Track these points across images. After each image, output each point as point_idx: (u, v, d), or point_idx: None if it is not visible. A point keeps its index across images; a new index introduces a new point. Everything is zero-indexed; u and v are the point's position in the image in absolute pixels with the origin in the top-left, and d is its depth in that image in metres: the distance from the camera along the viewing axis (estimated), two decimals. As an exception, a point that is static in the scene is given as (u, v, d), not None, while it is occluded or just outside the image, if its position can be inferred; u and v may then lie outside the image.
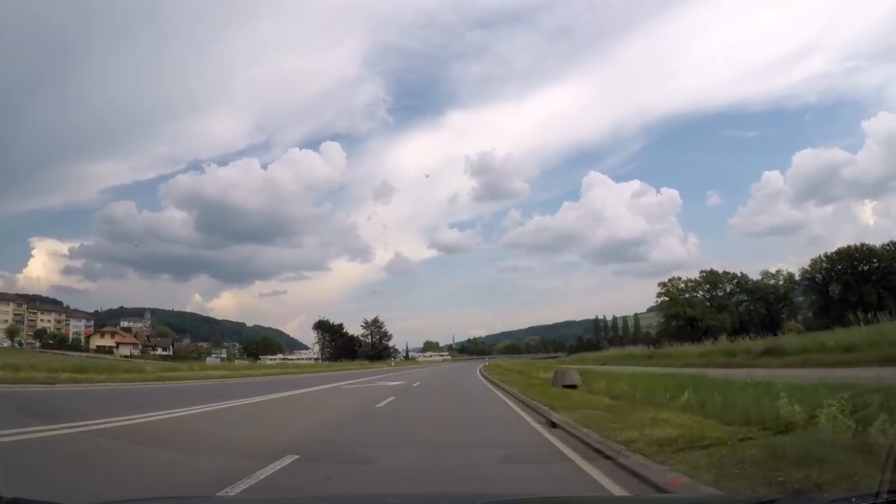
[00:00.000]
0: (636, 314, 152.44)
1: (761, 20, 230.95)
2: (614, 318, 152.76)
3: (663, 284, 79.11)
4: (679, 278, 79.90)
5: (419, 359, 77.99)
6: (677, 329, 72.15)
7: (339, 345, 65.22)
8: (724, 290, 78.55)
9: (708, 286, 78.82)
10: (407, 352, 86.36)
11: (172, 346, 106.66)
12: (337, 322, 70.01)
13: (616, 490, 4.68)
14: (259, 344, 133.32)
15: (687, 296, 76.94)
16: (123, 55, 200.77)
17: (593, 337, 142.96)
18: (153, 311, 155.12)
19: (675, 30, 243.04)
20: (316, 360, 68.25)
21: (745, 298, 78.89)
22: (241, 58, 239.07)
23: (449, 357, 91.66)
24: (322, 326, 70.98)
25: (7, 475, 3.60)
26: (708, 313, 73.09)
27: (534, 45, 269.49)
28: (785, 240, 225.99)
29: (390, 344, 68.92)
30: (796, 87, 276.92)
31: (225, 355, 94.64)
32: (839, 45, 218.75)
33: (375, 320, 70.22)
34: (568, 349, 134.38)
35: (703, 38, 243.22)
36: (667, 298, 77.77)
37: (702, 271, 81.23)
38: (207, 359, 66.43)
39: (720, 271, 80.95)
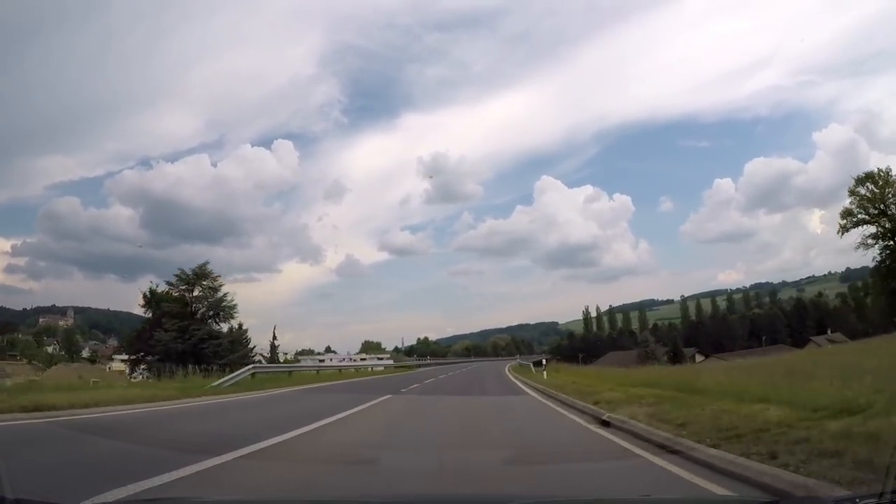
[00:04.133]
0: (643, 307, 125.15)
1: (717, 33, 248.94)
2: (611, 311, 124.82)
3: (864, 177, 44.43)
4: (887, 171, 45.33)
5: (316, 365, 43.09)
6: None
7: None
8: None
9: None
10: (273, 351, 49.06)
11: None
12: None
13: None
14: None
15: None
16: (74, 46, 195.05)
17: (585, 334, 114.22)
18: (83, 311, 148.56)
19: (632, 39, 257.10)
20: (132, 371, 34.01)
21: None
22: (195, 53, 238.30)
23: (390, 362, 58.86)
24: (155, 300, 31.44)
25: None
26: None
27: (491, 49, 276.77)
28: (735, 247, 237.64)
29: (242, 325, 33.19)
30: (749, 99, 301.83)
31: None
32: (792, 59, 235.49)
33: (201, 270, 29.29)
34: (556, 350, 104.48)
35: (660, 48, 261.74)
36: (855, 216, 43.58)
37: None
38: None
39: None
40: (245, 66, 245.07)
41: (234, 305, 28.32)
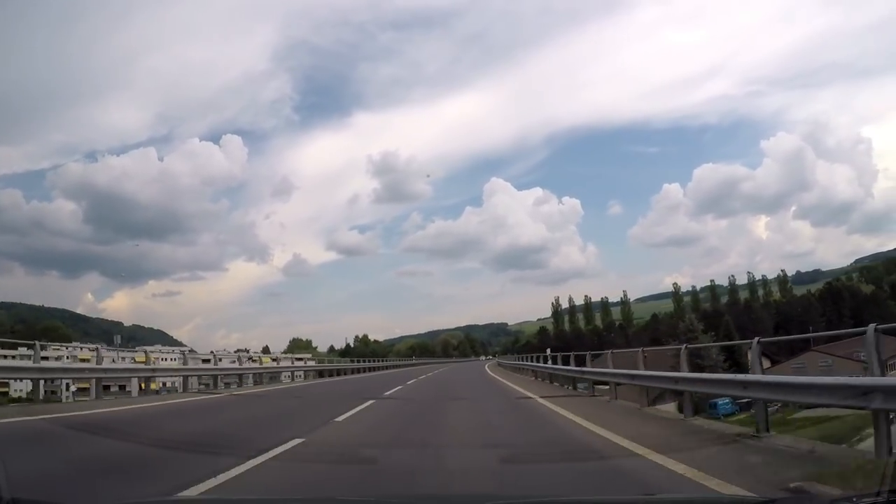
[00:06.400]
0: (625, 298, 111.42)
1: (669, 42, 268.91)
2: (587, 304, 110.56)
3: None
4: None
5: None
6: None
7: None
8: None
9: None
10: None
11: None
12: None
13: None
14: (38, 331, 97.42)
15: None
16: (20, 35, 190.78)
17: (557, 330, 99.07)
18: (14, 307, 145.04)
19: (584, 45, 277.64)
20: None
21: None
22: (146, 44, 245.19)
23: (311, 363, 40.35)
24: None
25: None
26: None
27: (445, 50, 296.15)
28: (682, 251, 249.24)
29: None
30: (699, 107, 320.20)
31: None
32: (741, 70, 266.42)
33: None
34: (521, 349, 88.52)
35: (613, 55, 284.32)
36: None
37: None
38: None
39: None
40: (196, 60, 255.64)
41: None
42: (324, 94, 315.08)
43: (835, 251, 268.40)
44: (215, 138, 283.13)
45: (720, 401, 29.56)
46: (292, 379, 34.11)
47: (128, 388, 40.28)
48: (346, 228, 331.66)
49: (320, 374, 39.76)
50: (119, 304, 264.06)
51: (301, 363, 40.93)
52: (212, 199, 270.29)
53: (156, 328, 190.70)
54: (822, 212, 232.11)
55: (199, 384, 36.52)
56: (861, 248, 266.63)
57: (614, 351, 16.32)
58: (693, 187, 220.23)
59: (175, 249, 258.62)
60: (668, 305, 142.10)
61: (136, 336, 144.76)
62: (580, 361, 20.79)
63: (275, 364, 37.12)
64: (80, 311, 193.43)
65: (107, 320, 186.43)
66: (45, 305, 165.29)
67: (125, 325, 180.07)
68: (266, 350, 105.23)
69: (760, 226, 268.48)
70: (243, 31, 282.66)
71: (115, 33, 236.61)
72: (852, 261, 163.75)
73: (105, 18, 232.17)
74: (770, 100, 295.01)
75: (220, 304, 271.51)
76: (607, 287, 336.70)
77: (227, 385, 33.67)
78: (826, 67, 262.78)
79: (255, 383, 30.69)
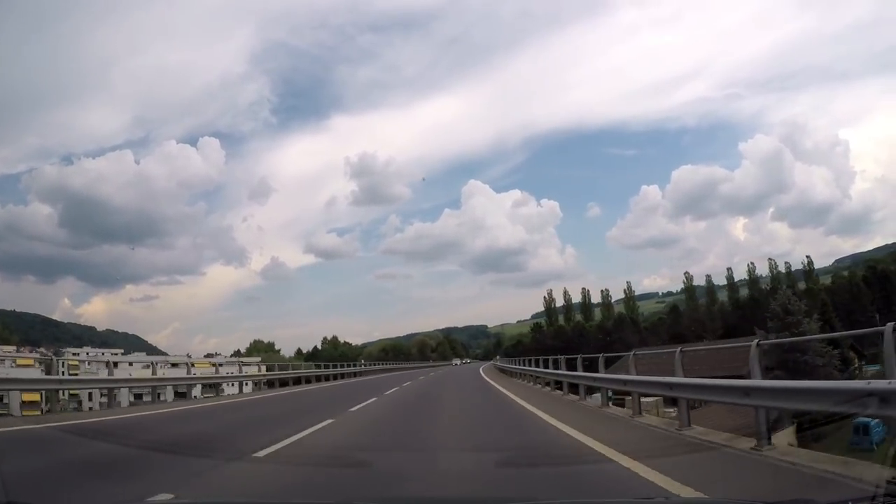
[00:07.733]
0: (629, 295, 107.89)
1: (647, 45, 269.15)
2: (585, 298, 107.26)
3: None
4: None
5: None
6: None
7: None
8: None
9: None
10: None
11: None
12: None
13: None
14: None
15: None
16: None
17: (554, 327, 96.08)
18: None
19: (563, 48, 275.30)
20: None
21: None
22: (122, 47, 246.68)
23: (248, 368, 36.39)
24: None
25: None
26: None
27: (424, 53, 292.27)
28: (660, 252, 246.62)
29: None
30: (677, 110, 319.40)
31: None
32: (720, 73, 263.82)
33: None
34: (512, 350, 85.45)
35: (591, 57, 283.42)
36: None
37: None
38: None
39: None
40: (174, 62, 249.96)
41: None
42: (302, 96, 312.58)
43: (813, 252, 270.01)
44: (192, 141, 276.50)
45: (871, 421, 19.38)
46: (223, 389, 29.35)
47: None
48: (325, 231, 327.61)
49: (270, 383, 35.33)
50: (96, 310, 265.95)
51: (236, 370, 36.26)
52: (189, 203, 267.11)
53: (131, 333, 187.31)
54: (800, 213, 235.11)
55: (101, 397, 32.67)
56: (838, 248, 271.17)
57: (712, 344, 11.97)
58: (671, 189, 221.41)
59: (153, 253, 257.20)
60: (648, 306, 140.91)
61: (110, 342, 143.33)
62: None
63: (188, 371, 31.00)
64: (56, 316, 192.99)
65: (79, 325, 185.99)
66: (17, 310, 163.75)
67: (98, 329, 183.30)
68: (237, 353, 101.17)
69: (739, 227, 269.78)
70: (221, 33, 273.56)
71: (92, 36, 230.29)
72: (832, 261, 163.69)
73: (82, 21, 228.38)
74: (748, 102, 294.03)
75: (199, 308, 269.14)
76: (586, 289, 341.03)
77: (139, 397, 30.07)
78: (803, 70, 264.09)
79: (179, 397, 26.64)
